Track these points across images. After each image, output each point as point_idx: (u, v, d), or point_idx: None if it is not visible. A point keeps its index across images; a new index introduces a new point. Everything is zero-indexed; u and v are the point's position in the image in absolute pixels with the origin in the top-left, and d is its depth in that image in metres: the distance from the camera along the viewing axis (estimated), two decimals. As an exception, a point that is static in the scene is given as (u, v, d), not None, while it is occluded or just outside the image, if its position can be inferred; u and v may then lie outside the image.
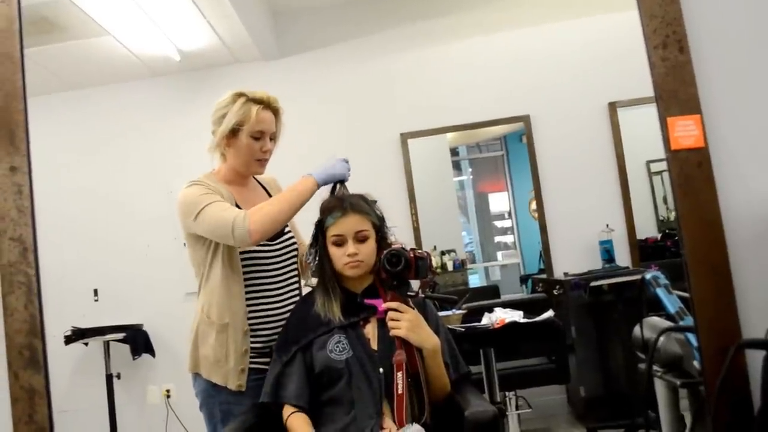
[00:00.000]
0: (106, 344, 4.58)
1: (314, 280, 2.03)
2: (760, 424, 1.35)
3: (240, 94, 2.08)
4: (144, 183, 4.87)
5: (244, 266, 2.03)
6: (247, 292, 2.02)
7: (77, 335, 4.47)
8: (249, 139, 2.05)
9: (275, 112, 2.12)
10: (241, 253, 2.02)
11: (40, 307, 1.43)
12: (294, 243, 2.17)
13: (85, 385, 4.69)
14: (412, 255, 1.83)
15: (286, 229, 2.15)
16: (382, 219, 1.99)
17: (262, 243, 2.03)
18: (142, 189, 4.86)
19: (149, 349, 4.65)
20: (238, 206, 2.04)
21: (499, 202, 5.64)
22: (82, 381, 4.72)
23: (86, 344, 4.61)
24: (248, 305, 2.02)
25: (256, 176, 2.23)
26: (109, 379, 4.54)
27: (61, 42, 4.22)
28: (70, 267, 4.73)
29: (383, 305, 1.85)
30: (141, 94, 5.01)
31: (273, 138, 2.12)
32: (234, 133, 2.05)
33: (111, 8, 3.86)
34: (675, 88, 1.44)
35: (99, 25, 4.04)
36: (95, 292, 4.88)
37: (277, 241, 2.10)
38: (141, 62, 4.71)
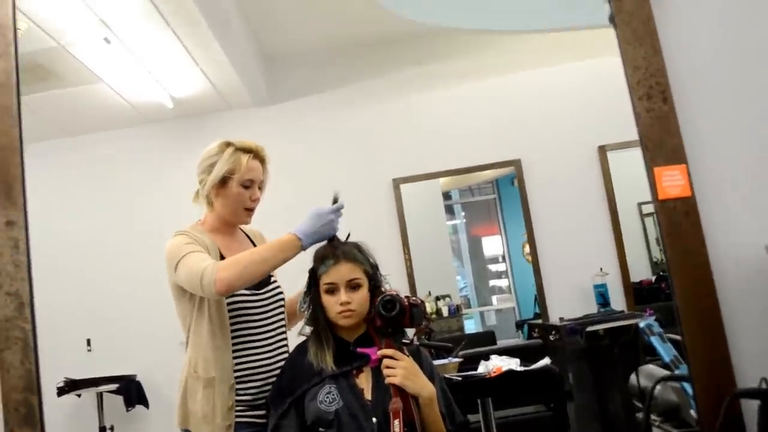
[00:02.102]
0: (100, 395, 4.53)
1: (308, 329, 2.02)
2: (758, 472, 1.34)
3: (228, 144, 2.09)
4: (137, 230, 4.87)
5: (230, 318, 2.01)
6: (234, 345, 2.00)
7: (70, 386, 4.42)
8: (239, 187, 2.06)
9: (262, 161, 2.13)
10: (228, 304, 2.01)
11: (36, 362, 1.42)
12: (280, 292, 2.16)
13: (78, 437, 4.63)
14: (406, 302, 1.83)
15: (272, 279, 2.14)
16: (375, 267, 1.99)
17: (247, 293, 2.02)
18: (135, 236, 4.86)
19: (143, 401, 4.59)
20: (222, 256, 2.03)
21: (492, 245, 5.66)
22: (75, 434, 4.66)
23: (79, 396, 4.56)
24: (235, 358, 2.00)
25: (242, 227, 2.23)
26: (102, 431, 4.46)
27: (56, 89, 4.29)
28: (63, 316, 4.70)
29: (378, 353, 1.83)
30: (134, 140, 5.06)
31: (261, 187, 2.14)
32: (224, 182, 2.06)
33: (104, 56, 3.94)
34: (660, 138, 1.46)
35: (93, 72, 4.11)
36: (88, 341, 4.84)
37: (263, 290, 2.09)
38: (134, 109, 4.77)
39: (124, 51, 3.90)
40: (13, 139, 1.48)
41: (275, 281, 2.16)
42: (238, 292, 2.01)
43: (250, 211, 2.12)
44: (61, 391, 4.38)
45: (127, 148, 5.06)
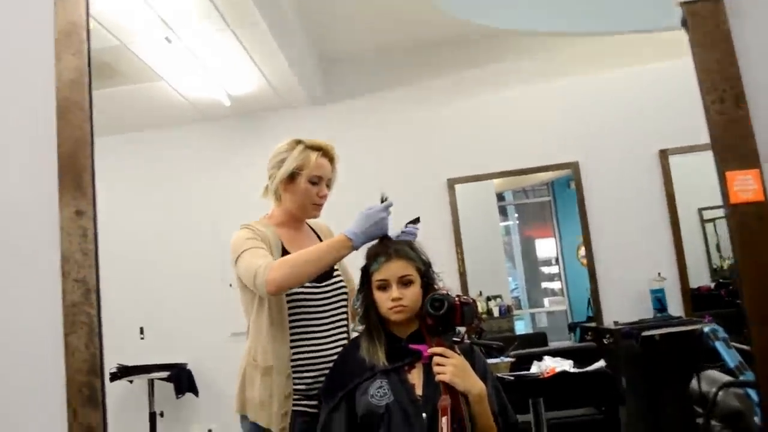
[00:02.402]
0: (151, 382, 4.63)
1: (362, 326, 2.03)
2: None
3: (298, 141, 2.16)
4: (192, 223, 4.97)
5: (290, 308, 2.05)
6: (291, 335, 2.04)
7: (122, 372, 4.53)
8: (307, 183, 2.12)
9: (331, 159, 2.20)
10: (288, 295, 2.04)
11: (100, 346, 1.47)
12: (343, 286, 2.18)
13: (129, 422, 4.75)
14: (457, 301, 1.82)
15: (335, 272, 2.17)
16: (427, 264, 1.99)
17: (308, 285, 2.06)
18: (191, 229, 4.96)
19: (193, 389, 4.68)
20: (285, 249, 2.09)
21: (546, 247, 5.60)
22: (126, 418, 4.77)
23: (131, 381, 4.68)
24: (293, 348, 2.04)
25: (309, 221, 2.28)
26: (153, 417, 4.58)
27: (118, 86, 4.39)
28: (118, 304, 4.74)
29: (428, 350, 1.83)
30: (192, 136, 5.15)
31: (328, 184, 2.20)
32: (293, 177, 2.12)
33: (165, 55, 4.02)
34: (733, 143, 1.42)
35: (153, 70, 4.20)
36: (141, 329, 4.95)
37: (325, 283, 2.12)
38: (192, 106, 4.85)
39: (184, 50, 3.98)
40: (85, 132, 1.53)
41: (338, 275, 2.19)
42: None
43: (317, 206, 2.18)
44: (114, 377, 4.49)
45: (185, 144, 5.15)
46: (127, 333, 4.89)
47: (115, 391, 4.74)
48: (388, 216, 1.99)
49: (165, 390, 4.67)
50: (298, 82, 4.56)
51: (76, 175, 1.50)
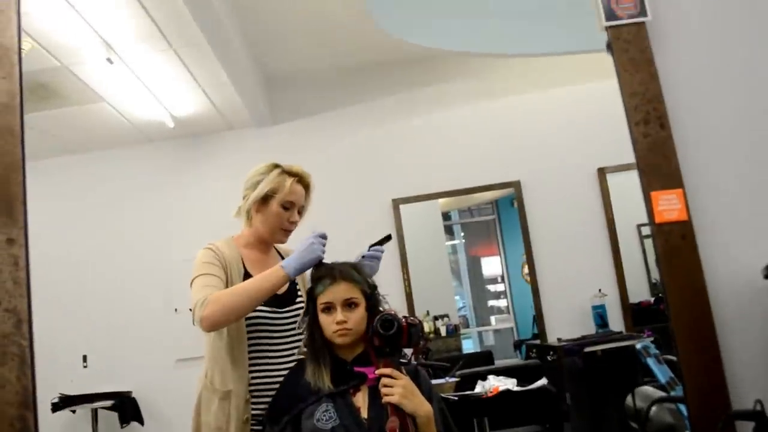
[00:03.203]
0: (94, 411, 4.52)
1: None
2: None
3: (276, 165, 2.17)
4: (136, 248, 4.87)
5: (249, 333, 2.04)
6: (251, 359, 2.03)
7: (65, 402, 4.41)
8: (279, 207, 2.13)
9: (306, 186, 2.20)
10: (247, 319, 2.03)
11: (32, 379, 1.42)
12: None
13: (72, 454, 4.61)
14: (404, 322, 1.83)
15: (298, 298, 2.17)
16: (373, 287, 1.99)
17: (267, 310, 2.06)
18: (134, 253, 4.87)
19: (138, 417, 4.57)
20: (247, 271, 2.08)
21: (491, 265, 5.66)
22: (69, 450, 4.63)
23: (74, 411, 4.56)
24: (251, 372, 2.03)
25: (278, 246, 2.28)
26: (97, 447, 4.45)
27: (58, 108, 4.32)
28: (59, 332, 4.68)
29: (376, 371, 1.83)
30: (135, 159, 5.07)
31: (300, 211, 2.20)
32: (266, 200, 2.13)
33: (107, 76, 3.97)
34: (657, 163, 1.47)
35: (95, 92, 4.14)
36: (84, 358, 4.82)
37: (286, 309, 2.12)
38: (135, 128, 4.79)
39: (126, 71, 3.94)
40: (15, 158, 1.49)
41: (301, 301, 2.18)
42: (258, 309, 2.04)
43: (286, 231, 2.18)
44: (56, 407, 4.37)
45: (128, 167, 5.07)
46: (69, 361, 4.77)
47: (57, 422, 4.61)
48: (320, 242, 1.99)
49: (109, 419, 4.55)
50: (243, 103, 4.55)
51: (6, 202, 1.46)
